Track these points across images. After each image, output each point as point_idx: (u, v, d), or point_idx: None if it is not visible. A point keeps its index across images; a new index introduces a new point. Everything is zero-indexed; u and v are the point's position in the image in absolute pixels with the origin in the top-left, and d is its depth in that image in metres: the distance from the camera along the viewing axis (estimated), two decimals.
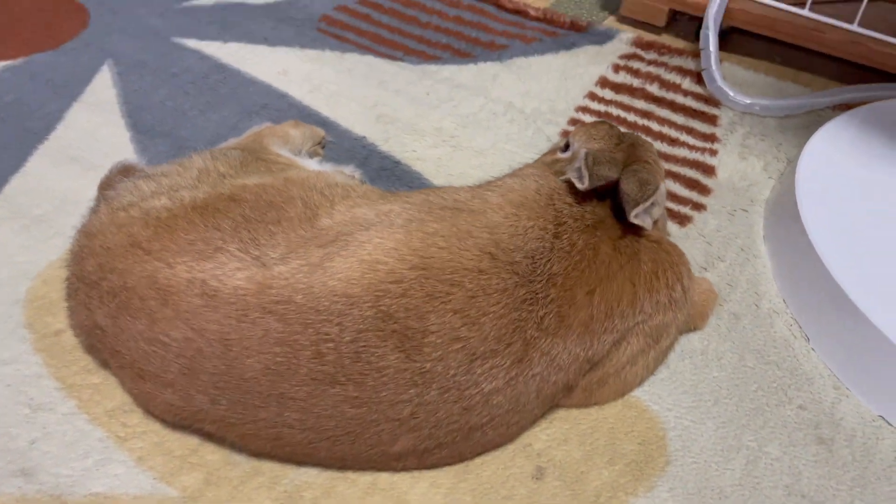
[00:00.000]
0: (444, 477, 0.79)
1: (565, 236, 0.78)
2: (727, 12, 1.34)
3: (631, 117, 1.24)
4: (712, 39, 1.28)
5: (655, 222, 0.83)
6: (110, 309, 0.74)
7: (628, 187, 0.78)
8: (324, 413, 0.70)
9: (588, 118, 1.23)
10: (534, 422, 0.81)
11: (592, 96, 1.28)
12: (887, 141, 1.08)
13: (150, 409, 0.77)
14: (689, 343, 0.93)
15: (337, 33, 1.38)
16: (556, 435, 0.83)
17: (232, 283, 0.71)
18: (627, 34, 1.43)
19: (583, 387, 0.82)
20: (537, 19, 1.45)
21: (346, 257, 0.72)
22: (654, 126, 1.23)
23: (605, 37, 1.43)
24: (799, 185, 0.98)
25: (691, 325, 0.93)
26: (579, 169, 0.79)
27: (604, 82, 1.31)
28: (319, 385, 0.69)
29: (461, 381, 0.70)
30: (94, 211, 0.83)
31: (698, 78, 1.33)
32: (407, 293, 0.70)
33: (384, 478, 0.78)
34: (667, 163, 1.17)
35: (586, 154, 0.79)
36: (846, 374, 0.90)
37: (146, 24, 1.37)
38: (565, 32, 1.43)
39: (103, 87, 1.22)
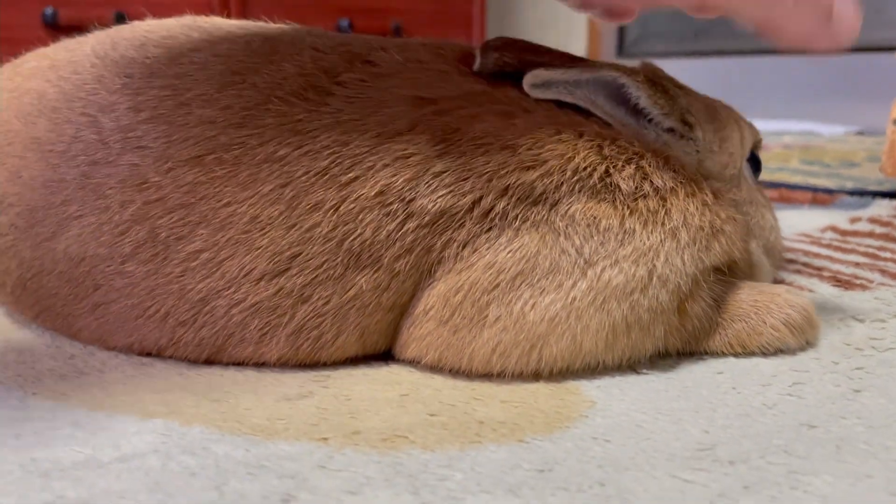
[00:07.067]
0: None
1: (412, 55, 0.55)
2: None
3: (838, 258, 0.85)
4: None
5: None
6: None
7: None
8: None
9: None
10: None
11: (805, 235, 0.92)
12: None
13: None
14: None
15: None
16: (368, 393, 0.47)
17: None
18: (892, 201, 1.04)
19: (423, 307, 0.47)
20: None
21: None
22: (882, 253, 0.82)
23: (857, 205, 1.06)
24: None
25: (707, 340, 0.50)
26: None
27: (828, 228, 0.95)
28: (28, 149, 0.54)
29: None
30: None
31: None
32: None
33: None
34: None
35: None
36: None
37: None
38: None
39: None
